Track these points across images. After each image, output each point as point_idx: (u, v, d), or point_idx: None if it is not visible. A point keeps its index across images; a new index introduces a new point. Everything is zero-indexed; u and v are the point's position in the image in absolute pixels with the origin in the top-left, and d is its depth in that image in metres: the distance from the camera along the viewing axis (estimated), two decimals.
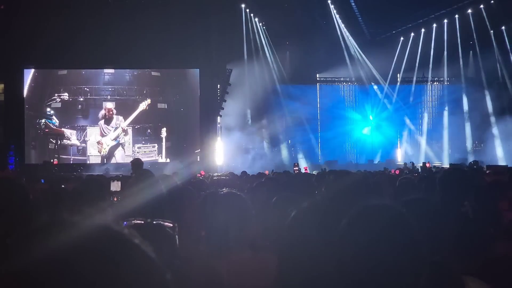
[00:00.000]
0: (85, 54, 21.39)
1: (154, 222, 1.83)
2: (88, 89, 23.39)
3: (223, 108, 24.18)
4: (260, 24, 24.34)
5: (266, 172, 12.65)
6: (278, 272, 2.50)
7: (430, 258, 1.92)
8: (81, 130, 23.15)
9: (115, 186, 5.96)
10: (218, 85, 24.13)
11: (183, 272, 2.32)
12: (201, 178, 9.73)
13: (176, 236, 1.42)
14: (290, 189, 4.74)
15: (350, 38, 24.95)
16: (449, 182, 3.43)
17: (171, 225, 1.86)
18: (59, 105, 23.00)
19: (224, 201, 2.76)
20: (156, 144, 23.40)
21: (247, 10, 24.04)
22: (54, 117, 22.97)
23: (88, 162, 22.76)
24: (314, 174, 11.14)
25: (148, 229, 1.71)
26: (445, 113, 26.87)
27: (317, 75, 25.63)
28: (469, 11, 23.50)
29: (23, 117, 22.75)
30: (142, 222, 1.83)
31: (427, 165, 19.58)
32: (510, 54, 24.09)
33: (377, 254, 1.26)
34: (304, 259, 1.81)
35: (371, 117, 26.61)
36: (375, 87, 26.55)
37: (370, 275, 1.26)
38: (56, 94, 23.03)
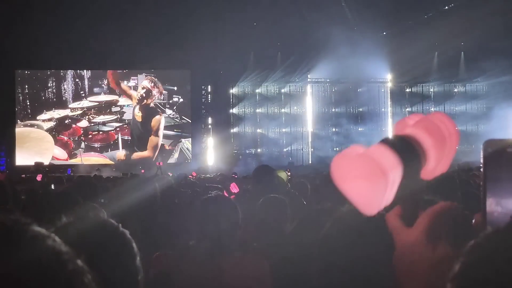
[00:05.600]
0: (76, 55, 21.33)
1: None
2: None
3: (213, 109, 24.21)
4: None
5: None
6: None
7: None
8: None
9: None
10: (209, 86, 24.15)
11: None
12: (192, 179, 9.73)
13: (134, 244, 1.31)
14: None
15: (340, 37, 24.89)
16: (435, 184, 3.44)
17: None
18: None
19: (213, 204, 2.77)
20: None
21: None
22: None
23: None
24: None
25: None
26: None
27: (308, 75, 25.65)
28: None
29: (14, 119, 22.63)
30: None
31: None
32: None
33: (356, 260, 1.27)
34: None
35: (360, 118, 26.68)
36: (370, 86, 26.64)
37: (349, 280, 1.27)
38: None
